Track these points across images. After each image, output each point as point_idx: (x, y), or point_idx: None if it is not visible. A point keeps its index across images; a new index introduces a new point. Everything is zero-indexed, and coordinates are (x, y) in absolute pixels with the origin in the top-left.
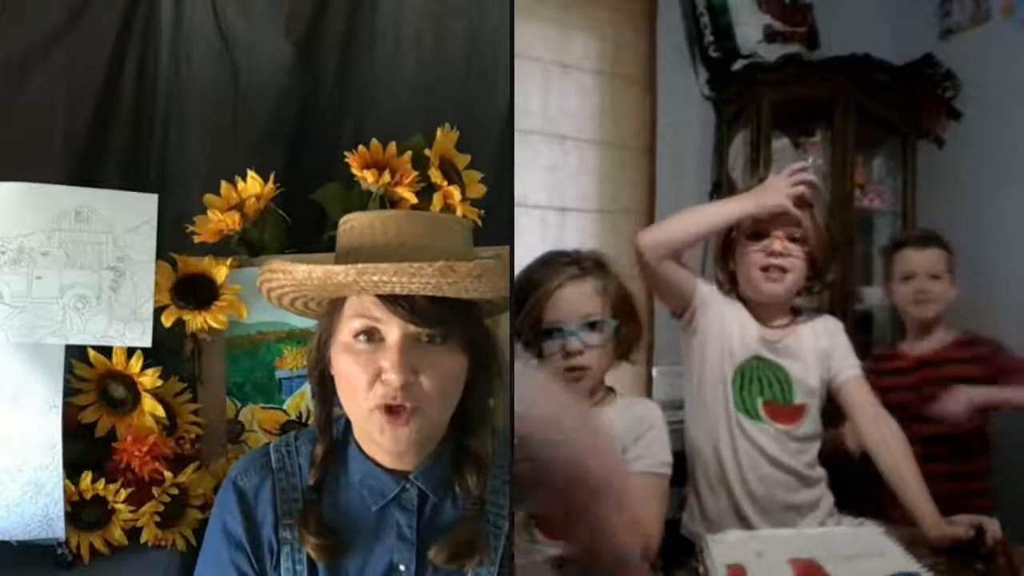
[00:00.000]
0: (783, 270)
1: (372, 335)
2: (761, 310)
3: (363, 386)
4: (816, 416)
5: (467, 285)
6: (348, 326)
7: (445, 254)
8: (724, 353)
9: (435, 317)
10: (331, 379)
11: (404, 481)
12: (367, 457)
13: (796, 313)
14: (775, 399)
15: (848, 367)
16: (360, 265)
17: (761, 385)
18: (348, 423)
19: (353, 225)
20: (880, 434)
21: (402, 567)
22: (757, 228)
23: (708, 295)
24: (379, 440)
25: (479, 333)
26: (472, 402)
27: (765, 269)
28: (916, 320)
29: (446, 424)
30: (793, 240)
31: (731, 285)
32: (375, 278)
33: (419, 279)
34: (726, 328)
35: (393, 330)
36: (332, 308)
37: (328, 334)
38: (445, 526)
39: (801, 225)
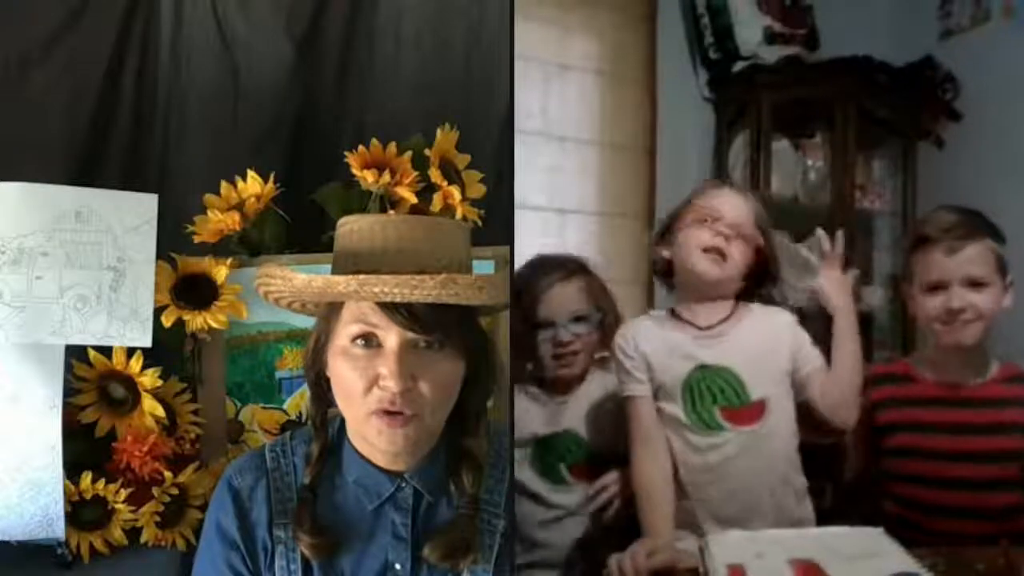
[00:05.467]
0: (724, 255)
1: (370, 340)
2: (699, 305)
3: (360, 391)
4: (782, 409)
5: (468, 295)
6: (346, 331)
7: (445, 259)
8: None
9: (434, 324)
10: (327, 380)
11: (399, 480)
12: (362, 457)
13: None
14: (730, 404)
15: (815, 356)
16: (362, 276)
17: (713, 394)
18: (343, 422)
19: (352, 228)
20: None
21: (398, 566)
22: (702, 215)
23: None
24: (376, 442)
25: (476, 336)
26: (469, 403)
27: (707, 250)
28: (949, 345)
29: (442, 427)
30: (737, 234)
31: (664, 276)
32: (376, 289)
33: (421, 291)
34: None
35: (391, 337)
36: (330, 311)
37: (325, 337)
38: (440, 525)
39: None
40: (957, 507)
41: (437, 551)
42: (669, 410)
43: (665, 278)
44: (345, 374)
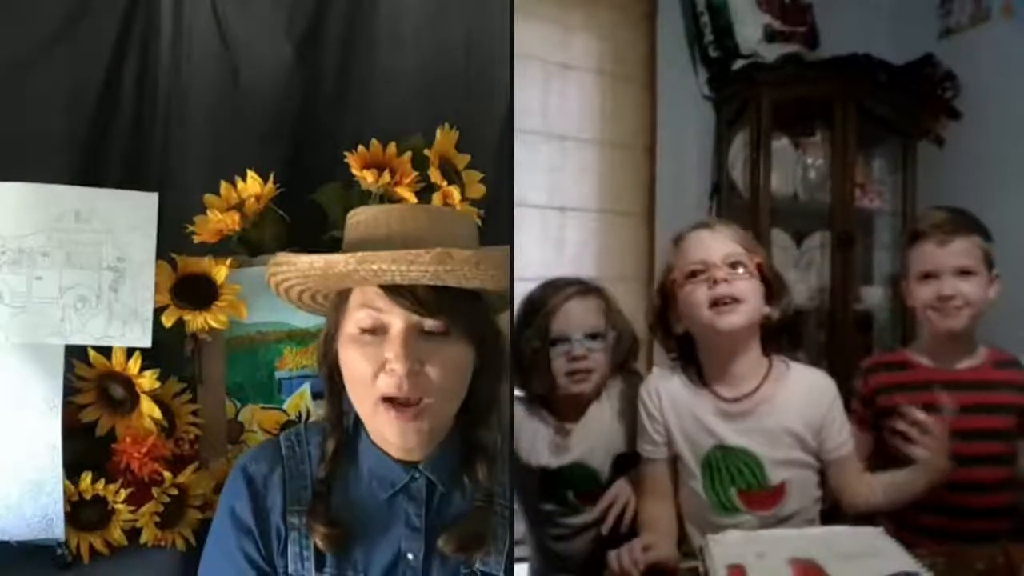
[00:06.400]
0: (735, 299)
1: (377, 327)
2: (730, 366)
3: (368, 377)
4: (804, 489)
5: (466, 272)
6: (353, 318)
7: (445, 245)
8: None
9: (438, 307)
10: (340, 374)
11: (413, 471)
12: (377, 447)
13: (770, 363)
14: (749, 487)
15: (844, 443)
16: (360, 254)
17: (732, 475)
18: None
19: (359, 220)
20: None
21: (410, 556)
22: (693, 269)
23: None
24: (387, 436)
25: (485, 326)
26: (480, 394)
27: (714, 304)
28: (941, 331)
29: (453, 417)
30: (734, 266)
31: (679, 356)
32: (374, 266)
33: (417, 266)
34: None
35: (396, 321)
36: (338, 302)
37: (335, 328)
38: (454, 516)
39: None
40: (953, 481)
41: (451, 543)
42: (687, 481)
43: (687, 350)
44: (353, 361)
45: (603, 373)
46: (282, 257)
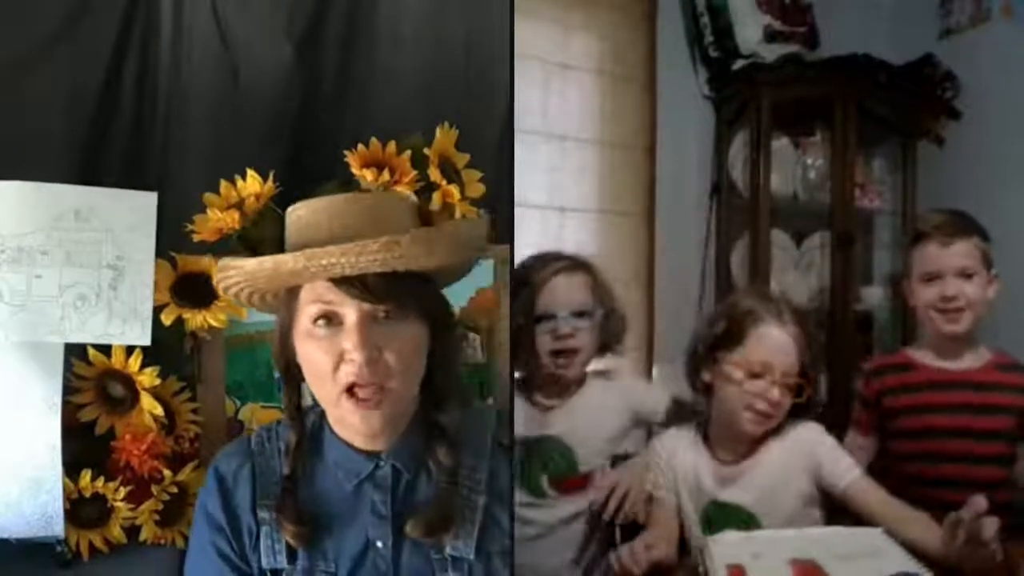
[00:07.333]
0: (768, 416)
1: (331, 319)
2: (728, 439)
3: (328, 371)
4: None
5: (414, 254)
6: (306, 312)
7: (388, 230)
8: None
9: (388, 293)
10: (297, 368)
11: (377, 459)
12: (341, 440)
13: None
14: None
15: (846, 470)
16: (308, 251)
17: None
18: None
19: (299, 215)
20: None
21: (379, 543)
22: (755, 371)
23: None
24: (352, 424)
25: (436, 305)
26: (436, 377)
27: (752, 410)
28: (944, 332)
29: (415, 397)
30: (788, 387)
31: (705, 396)
32: (323, 262)
33: (366, 256)
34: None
35: (350, 312)
36: (289, 298)
37: (288, 324)
38: (420, 502)
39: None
40: (954, 478)
41: (418, 527)
42: (689, 533)
43: (705, 395)
44: (312, 355)
45: (589, 352)
46: (227, 261)
